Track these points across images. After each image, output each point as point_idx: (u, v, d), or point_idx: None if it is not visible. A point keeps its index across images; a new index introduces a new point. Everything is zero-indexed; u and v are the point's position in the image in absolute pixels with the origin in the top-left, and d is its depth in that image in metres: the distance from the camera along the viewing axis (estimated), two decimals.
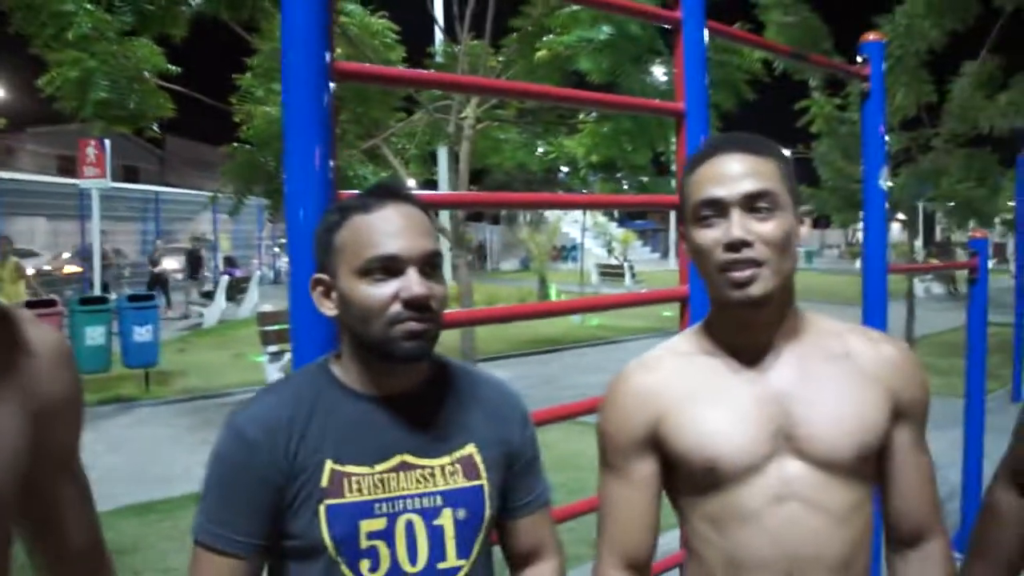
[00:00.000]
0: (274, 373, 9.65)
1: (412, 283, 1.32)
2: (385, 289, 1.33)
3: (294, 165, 2.02)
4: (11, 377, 0.99)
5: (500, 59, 8.68)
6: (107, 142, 12.11)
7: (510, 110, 9.16)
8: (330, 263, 1.39)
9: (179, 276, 21.55)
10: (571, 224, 37.07)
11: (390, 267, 1.33)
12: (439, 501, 1.39)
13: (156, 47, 8.24)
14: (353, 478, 1.35)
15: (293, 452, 1.35)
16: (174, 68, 8.51)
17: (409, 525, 1.37)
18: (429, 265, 1.35)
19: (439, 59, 9.12)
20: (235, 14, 7.19)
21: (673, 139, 3.11)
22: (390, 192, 1.40)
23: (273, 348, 9.62)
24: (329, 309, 1.41)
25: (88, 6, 7.25)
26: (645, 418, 1.45)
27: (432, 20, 9.03)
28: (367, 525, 1.34)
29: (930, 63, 8.46)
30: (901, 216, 11.82)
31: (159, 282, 19.06)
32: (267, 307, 10.13)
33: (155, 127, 8.74)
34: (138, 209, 25.52)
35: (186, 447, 7.84)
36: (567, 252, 42.13)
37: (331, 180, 2.02)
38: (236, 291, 18.55)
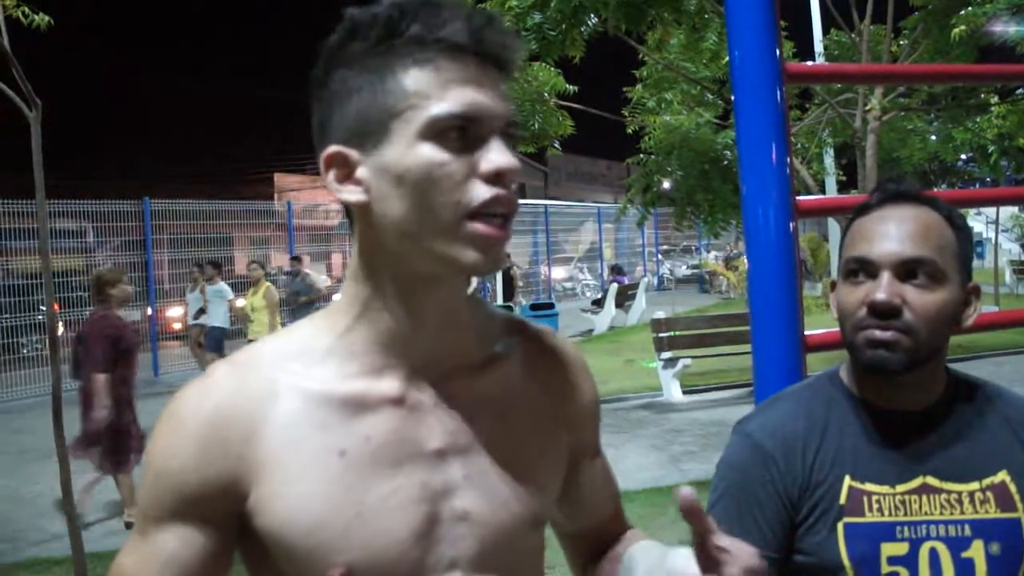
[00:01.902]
0: (668, 379, 9.79)
1: (877, 288, 1.24)
2: (857, 293, 1.28)
3: (750, 166, 2.02)
4: (552, 393, 1.10)
5: (901, 43, 8.17)
6: None
7: (914, 99, 8.52)
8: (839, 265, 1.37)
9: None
10: (974, 218, 33.50)
11: (865, 270, 1.27)
12: (968, 531, 1.27)
13: (554, 69, 8.78)
14: (873, 497, 1.29)
15: (809, 466, 1.32)
16: (571, 87, 9.00)
17: (933, 554, 1.27)
18: (910, 272, 1.25)
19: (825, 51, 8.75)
20: (634, 26, 7.39)
21: None
22: (891, 193, 1.33)
23: (667, 354, 9.75)
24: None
25: None
26: None
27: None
28: (888, 549, 1.27)
29: None
30: None
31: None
32: (659, 314, 10.23)
33: (556, 144, 9.29)
34: (528, 223, 27.27)
35: None
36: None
37: (789, 179, 1.99)
38: (624, 298, 19.07)
